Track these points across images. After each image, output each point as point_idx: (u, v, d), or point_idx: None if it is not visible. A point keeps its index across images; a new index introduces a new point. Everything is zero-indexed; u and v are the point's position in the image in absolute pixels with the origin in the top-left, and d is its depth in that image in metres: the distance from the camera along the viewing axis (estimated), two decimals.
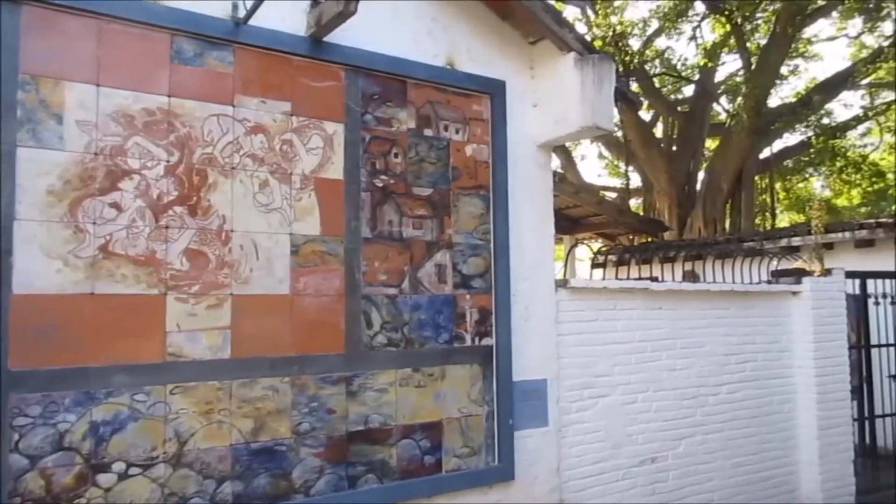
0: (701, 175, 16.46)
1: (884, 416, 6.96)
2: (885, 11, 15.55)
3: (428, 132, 4.14)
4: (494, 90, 4.40)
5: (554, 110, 4.51)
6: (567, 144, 18.04)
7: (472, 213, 4.26)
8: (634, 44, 15.71)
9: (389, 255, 3.91)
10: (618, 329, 4.99)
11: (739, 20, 13.98)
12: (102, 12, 3.13)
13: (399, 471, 3.81)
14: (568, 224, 11.60)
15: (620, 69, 13.91)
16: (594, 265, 10.18)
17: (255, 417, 3.38)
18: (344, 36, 3.78)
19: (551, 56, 4.53)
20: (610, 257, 11.04)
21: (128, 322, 3.10)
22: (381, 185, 3.92)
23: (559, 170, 16.60)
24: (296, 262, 3.57)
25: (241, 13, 3.47)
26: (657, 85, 17.66)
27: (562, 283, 4.66)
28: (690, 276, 8.99)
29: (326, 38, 3.72)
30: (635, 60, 14.72)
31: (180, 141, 3.31)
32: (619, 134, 17.47)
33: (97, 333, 3.02)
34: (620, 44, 14.03)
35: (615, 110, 15.74)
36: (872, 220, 9.11)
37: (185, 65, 3.35)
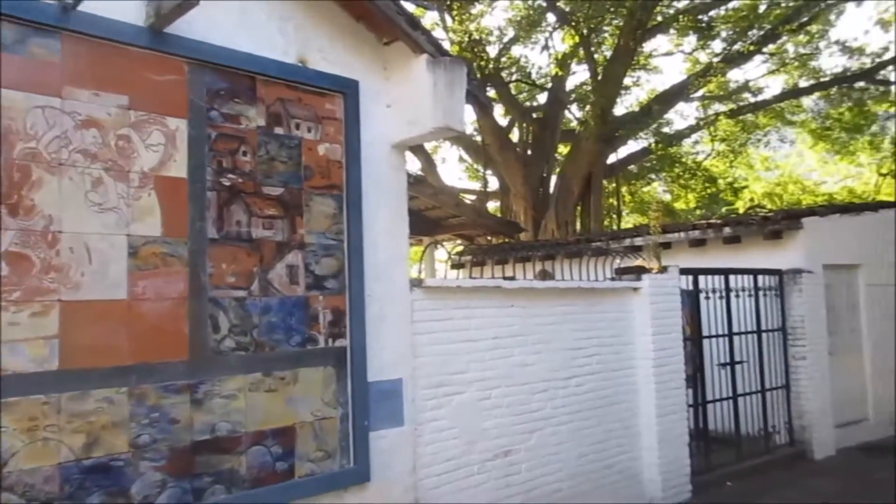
0: (554, 179, 17.21)
1: (714, 401, 7.56)
2: (715, 30, 16.98)
3: (279, 130, 4.04)
4: (348, 90, 4.37)
5: (407, 111, 4.54)
6: (427, 147, 18.29)
7: (325, 213, 4.20)
8: (491, 51, 16.17)
9: (238, 257, 3.77)
10: (472, 327, 5.10)
11: (586, 31, 14.73)
12: None
13: (249, 479, 3.69)
14: (428, 225, 11.73)
15: (477, 75, 14.29)
16: (453, 266, 10.34)
17: (88, 432, 3.15)
18: (187, 28, 3.62)
19: (405, 58, 4.56)
20: (469, 258, 11.28)
21: None
22: (228, 184, 3.78)
23: (419, 172, 16.76)
24: (134, 265, 3.36)
25: None
26: (513, 92, 18.28)
27: (417, 283, 4.70)
28: (543, 275, 9.35)
29: (168, 30, 3.54)
30: (491, 67, 15.14)
31: None
32: (478, 138, 17.95)
33: None
34: (477, 50, 14.39)
35: (472, 114, 16.02)
36: (704, 222, 9.88)
37: (5, 52, 3.07)
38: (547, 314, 5.71)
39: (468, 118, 19.39)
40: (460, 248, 10.35)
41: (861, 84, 17.58)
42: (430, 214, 11.47)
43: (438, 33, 15.75)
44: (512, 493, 5.23)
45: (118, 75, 3.41)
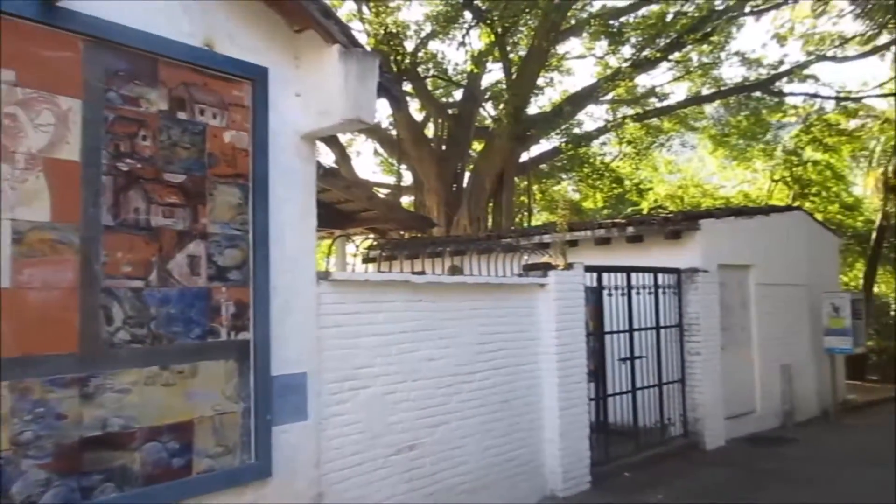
0: (468, 175, 17.37)
1: (614, 394, 7.84)
2: (625, 36, 17.54)
3: (182, 115, 3.89)
4: (256, 77, 4.25)
5: (318, 102, 4.47)
6: (342, 140, 18.10)
7: (230, 203, 4.08)
8: (408, 45, 16.13)
9: (135, 245, 3.61)
10: (380, 321, 5.09)
11: (500, 30, 14.92)
12: None
13: (143, 477, 3.54)
14: (340, 218, 11.60)
15: (393, 69, 14.23)
16: (364, 260, 10.28)
17: None
18: (85, 4, 3.43)
19: (317, 47, 4.48)
20: (380, 252, 11.24)
21: None
22: (126, 169, 3.61)
23: (333, 164, 16.56)
24: (18, 251, 3.17)
25: None
26: (429, 87, 18.32)
27: (324, 276, 4.64)
28: (453, 271, 9.42)
29: (62, 4, 3.34)
30: (407, 61, 15.11)
31: None
32: (393, 132, 17.90)
33: None
34: (393, 43, 14.33)
35: (387, 107, 15.95)
36: (609, 221, 10.22)
37: None
38: (455, 309, 5.76)
39: (383, 112, 19.35)
40: (371, 243, 10.29)
41: (757, 94, 18.59)
42: (343, 208, 11.35)
43: (356, 25, 15.61)
44: (416, 487, 5.25)
45: (4, 49, 3.20)
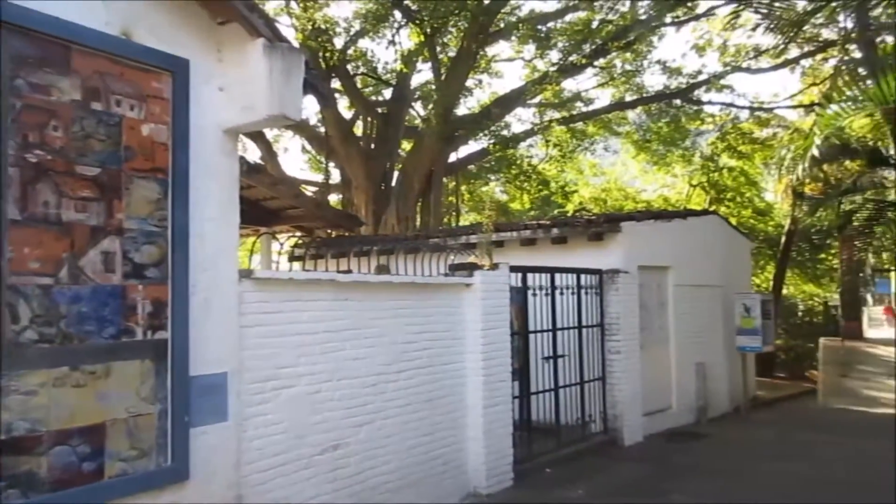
0: (396, 174, 17.34)
1: (538, 392, 7.98)
2: (553, 41, 17.88)
3: (96, 106, 3.74)
4: (177, 68, 4.13)
5: (241, 96, 4.37)
6: (268, 136, 17.80)
7: (148, 198, 3.95)
8: (338, 42, 15.98)
9: (44, 241, 3.46)
10: (304, 320, 5.03)
11: (430, 30, 14.97)
12: None
13: (50, 481, 3.39)
14: (266, 216, 11.40)
15: (322, 66, 14.08)
16: (290, 258, 10.15)
17: None
18: None
19: (240, 40, 4.38)
20: (307, 251, 11.09)
21: None
22: (35, 160, 3.45)
23: (259, 160, 16.23)
24: None
25: None
26: (359, 85, 18.20)
27: (246, 274, 4.55)
28: (381, 270, 9.39)
29: None
30: (336, 58, 14.97)
31: None
32: (322, 129, 17.72)
33: None
34: (321, 40, 14.17)
35: (315, 104, 15.72)
36: (535, 223, 10.39)
37: None
38: (381, 308, 5.75)
39: (311, 109, 19.11)
40: (297, 241, 10.14)
41: (677, 102, 19.26)
42: (269, 205, 11.15)
43: (284, 20, 15.35)
44: (340, 487, 5.22)
45: None
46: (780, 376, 16.18)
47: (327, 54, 14.53)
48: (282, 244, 5.84)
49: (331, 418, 5.19)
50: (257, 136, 16.70)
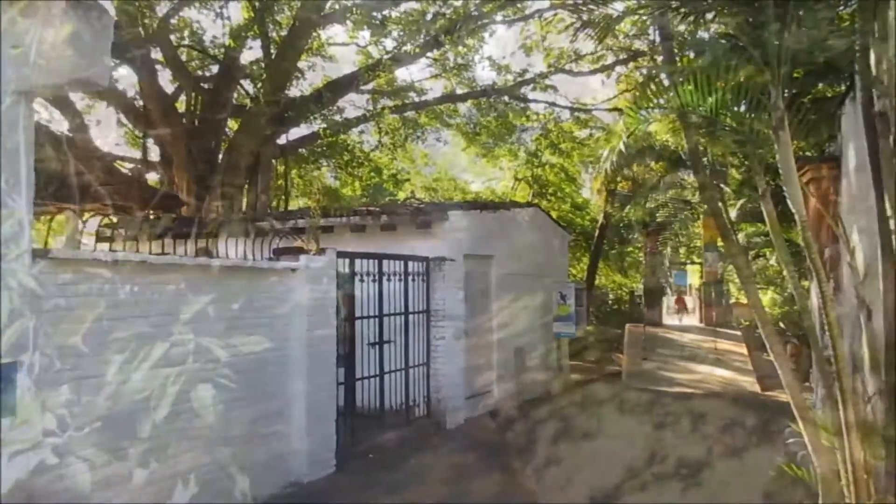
0: (222, 155, 16.56)
1: (363, 378, 8.00)
2: (388, 29, 17.86)
3: None
4: None
5: (42, 57, 3.96)
6: (79, 107, 16.33)
7: None
8: (159, 10, 14.90)
9: None
10: (111, 304, 4.68)
11: (259, 5, 14.44)
12: None
13: None
14: (75, 193, 10.45)
15: (141, 33, 13.09)
16: (100, 239, 9.38)
17: None
18: None
19: None
20: (121, 231, 10.32)
21: None
22: None
23: (67, 132, 14.80)
24: None
25: None
26: (183, 58, 17.13)
27: (42, 255, 4.14)
28: (204, 253, 8.96)
29: None
30: (156, 26, 13.99)
31: None
32: (140, 102, 16.53)
33: None
34: (140, 5, 13.17)
35: (132, 74, 14.63)
36: (364, 209, 10.38)
37: None
38: (201, 293, 5.49)
39: (129, 79, 17.70)
40: (107, 221, 9.39)
41: (505, 98, 20.01)
42: (77, 181, 10.25)
43: None
44: (155, 480, 4.93)
45: None
46: (591, 360, 17.39)
47: (146, 21, 13.53)
48: (84, 223, 5.36)
49: (142, 408, 4.88)
50: (66, 106, 15.22)
